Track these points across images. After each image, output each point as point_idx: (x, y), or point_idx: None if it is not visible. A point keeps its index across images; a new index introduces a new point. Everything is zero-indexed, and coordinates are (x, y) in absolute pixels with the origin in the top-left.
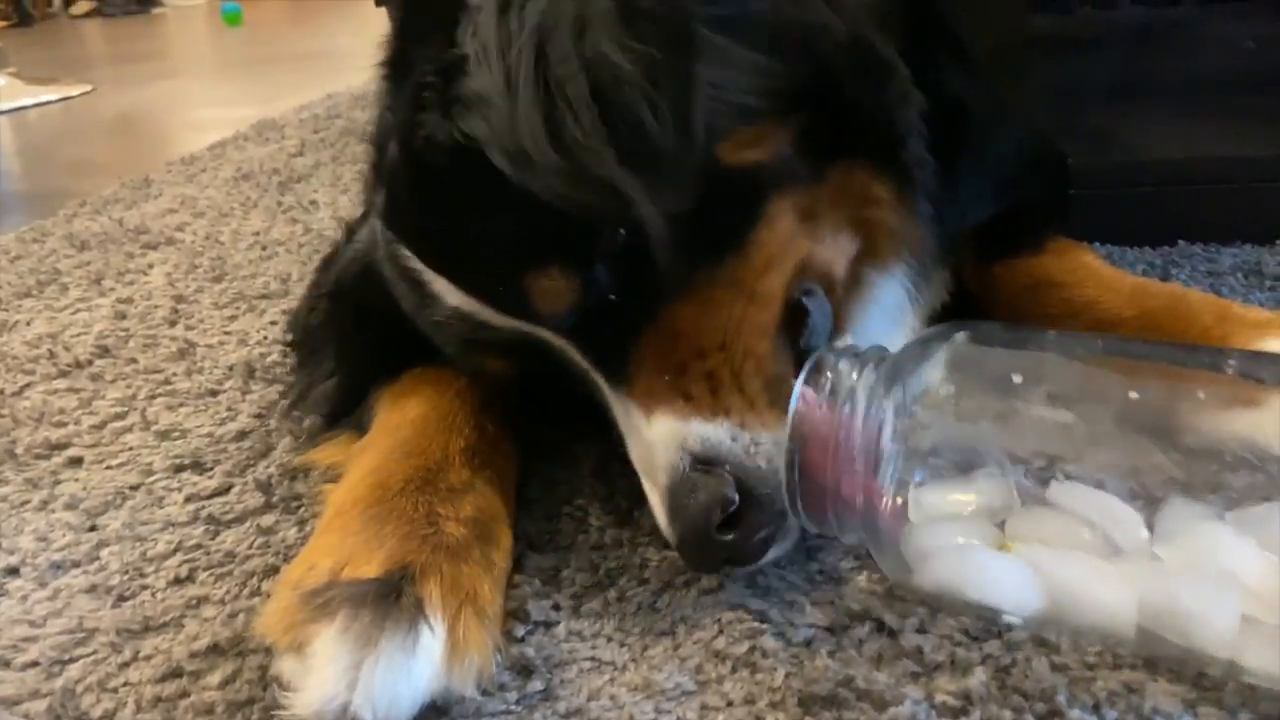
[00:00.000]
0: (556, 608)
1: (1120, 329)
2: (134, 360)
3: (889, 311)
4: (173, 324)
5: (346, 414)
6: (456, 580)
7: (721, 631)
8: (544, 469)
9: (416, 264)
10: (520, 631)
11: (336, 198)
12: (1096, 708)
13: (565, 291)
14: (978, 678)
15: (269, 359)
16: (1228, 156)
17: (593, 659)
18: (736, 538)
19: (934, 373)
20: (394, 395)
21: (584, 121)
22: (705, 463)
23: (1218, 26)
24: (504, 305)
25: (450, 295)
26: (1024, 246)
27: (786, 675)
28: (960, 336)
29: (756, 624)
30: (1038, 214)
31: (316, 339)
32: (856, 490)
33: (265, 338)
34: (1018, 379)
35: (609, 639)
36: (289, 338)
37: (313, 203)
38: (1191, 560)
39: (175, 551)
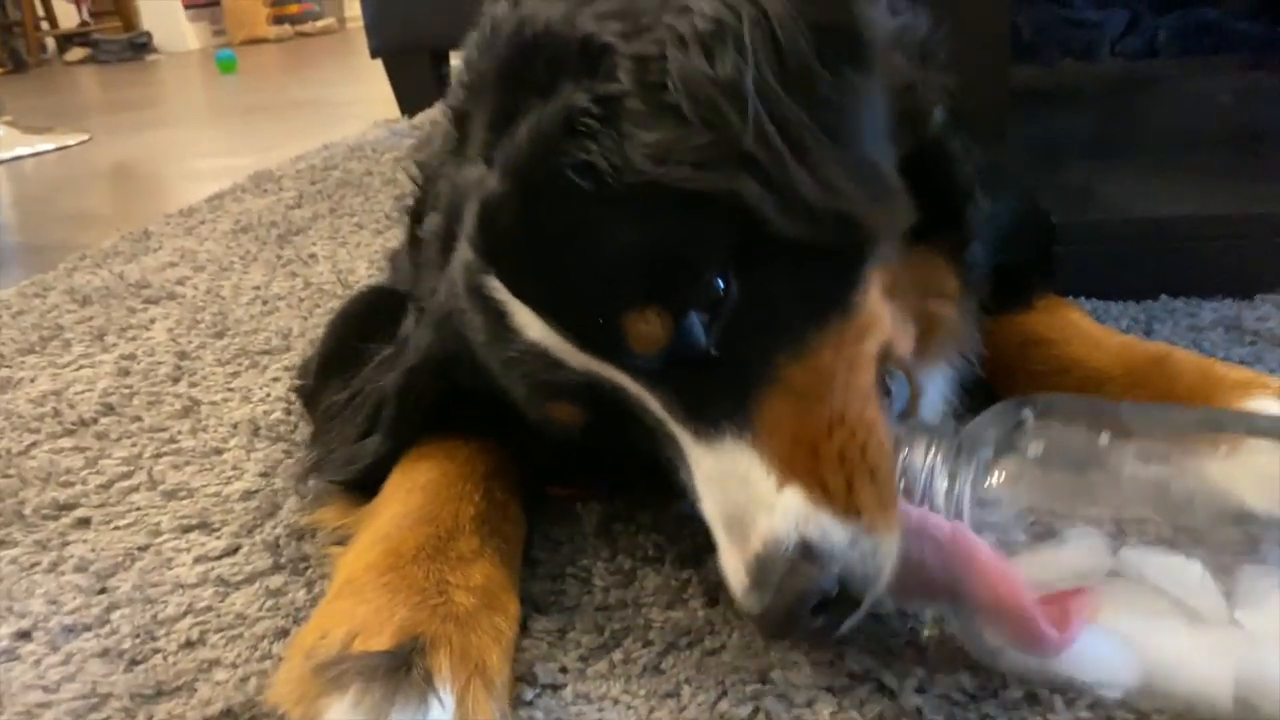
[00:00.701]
0: (563, 670)
1: (1107, 386)
2: (139, 418)
3: (933, 402)
4: (176, 380)
5: (379, 479)
6: (465, 651)
7: (725, 693)
8: (547, 529)
9: (502, 294)
10: (529, 695)
11: (335, 250)
12: None
13: (659, 336)
14: None
15: (273, 416)
16: (1206, 215)
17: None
18: (823, 625)
19: (1013, 446)
20: (406, 461)
21: (831, 161)
22: (813, 552)
23: (1194, 80)
24: (591, 343)
25: (532, 328)
26: (1013, 305)
27: None
28: (1028, 411)
29: (759, 685)
30: (1025, 272)
31: (350, 397)
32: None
33: (268, 395)
34: (1104, 440)
35: (615, 701)
36: (298, 384)
37: (312, 256)
38: (1269, 622)
39: (185, 614)
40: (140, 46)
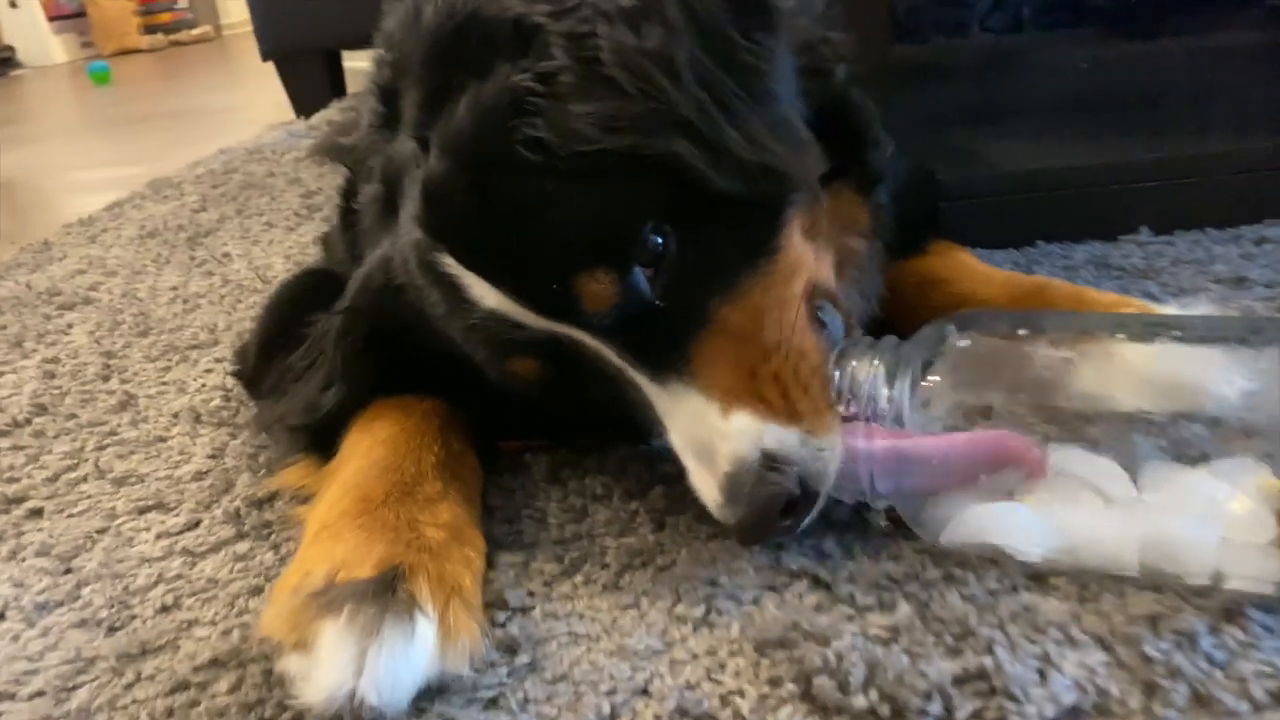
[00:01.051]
0: (531, 594)
1: None
2: (74, 415)
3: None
4: (106, 379)
5: (339, 427)
6: (442, 576)
7: (680, 599)
8: (499, 479)
9: (456, 269)
10: (501, 617)
11: (249, 249)
12: (1000, 625)
13: (609, 294)
14: (902, 612)
15: (212, 404)
16: (1072, 166)
17: (570, 633)
18: (790, 523)
19: (946, 353)
20: (362, 420)
21: (754, 119)
22: (774, 460)
23: (1055, 51)
24: (546, 307)
25: (489, 298)
26: (910, 250)
27: (741, 628)
28: (952, 326)
29: (710, 589)
30: (919, 222)
31: (300, 357)
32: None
33: (204, 385)
34: (1022, 333)
35: (581, 616)
36: (236, 369)
37: (225, 255)
38: (1177, 502)
39: (157, 583)
40: (3, 62)
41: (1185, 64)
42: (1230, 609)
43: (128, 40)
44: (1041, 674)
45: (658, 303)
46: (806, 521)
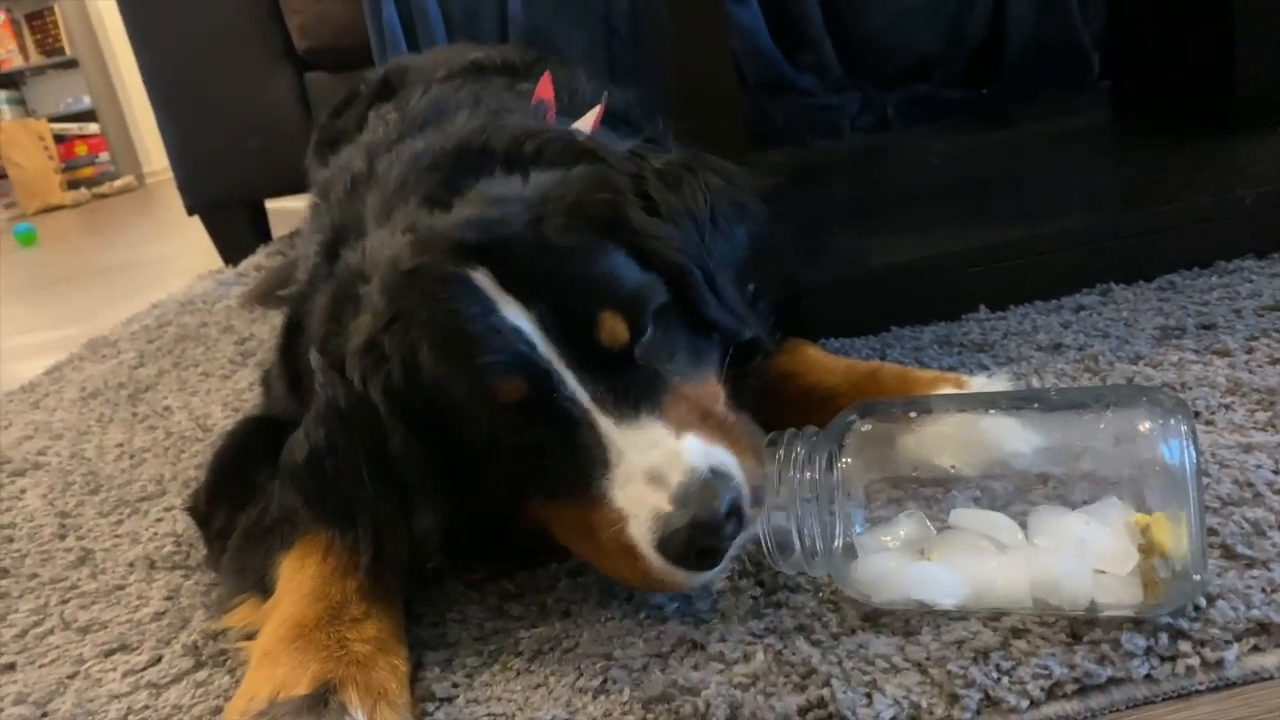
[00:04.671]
0: (455, 685)
1: (839, 400)
2: (36, 574)
3: None
4: (63, 537)
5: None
6: (369, 684)
7: (581, 674)
8: (426, 592)
9: (491, 288)
10: (431, 708)
11: (188, 400)
12: (839, 662)
13: (619, 335)
14: (759, 660)
15: (165, 550)
16: (919, 257)
17: (489, 715)
18: (732, 529)
19: (851, 438)
20: (294, 559)
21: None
22: (718, 473)
23: (913, 146)
24: (565, 335)
25: (518, 317)
26: (770, 349)
27: (631, 691)
28: (855, 414)
29: (606, 662)
30: (777, 323)
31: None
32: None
33: (155, 534)
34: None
35: (499, 699)
36: (190, 507)
37: (166, 409)
38: (1057, 542)
39: (127, 715)
40: None
41: (1024, 150)
42: (1017, 627)
43: (51, 197)
44: (869, 697)
45: (639, 362)
46: (743, 540)
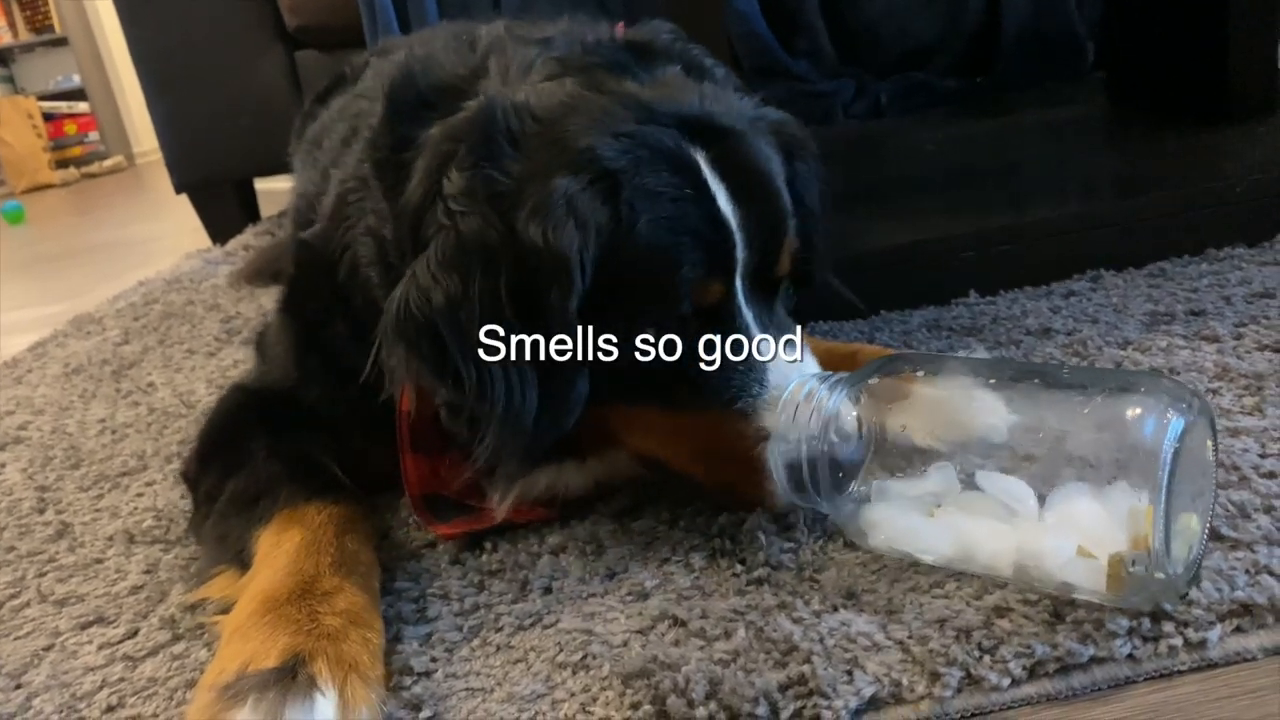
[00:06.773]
0: (434, 660)
1: None
2: (13, 548)
3: None
4: (41, 511)
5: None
6: (340, 657)
7: (561, 649)
8: (407, 566)
9: (709, 174)
10: (408, 682)
11: (172, 377)
12: (820, 640)
13: (785, 265)
14: (740, 637)
15: (144, 524)
16: (910, 241)
17: (467, 689)
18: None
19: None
20: (270, 534)
21: None
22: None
23: (908, 134)
24: (754, 243)
25: (724, 202)
26: None
27: (610, 666)
28: (874, 368)
29: (586, 638)
30: None
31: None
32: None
33: (135, 508)
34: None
35: (477, 674)
36: (183, 470)
37: (150, 385)
38: (1058, 517)
39: (101, 688)
40: None
41: (1018, 139)
42: (1000, 606)
43: (40, 176)
44: (850, 674)
45: (779, 295)
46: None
